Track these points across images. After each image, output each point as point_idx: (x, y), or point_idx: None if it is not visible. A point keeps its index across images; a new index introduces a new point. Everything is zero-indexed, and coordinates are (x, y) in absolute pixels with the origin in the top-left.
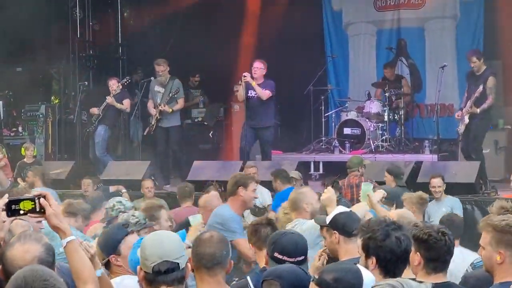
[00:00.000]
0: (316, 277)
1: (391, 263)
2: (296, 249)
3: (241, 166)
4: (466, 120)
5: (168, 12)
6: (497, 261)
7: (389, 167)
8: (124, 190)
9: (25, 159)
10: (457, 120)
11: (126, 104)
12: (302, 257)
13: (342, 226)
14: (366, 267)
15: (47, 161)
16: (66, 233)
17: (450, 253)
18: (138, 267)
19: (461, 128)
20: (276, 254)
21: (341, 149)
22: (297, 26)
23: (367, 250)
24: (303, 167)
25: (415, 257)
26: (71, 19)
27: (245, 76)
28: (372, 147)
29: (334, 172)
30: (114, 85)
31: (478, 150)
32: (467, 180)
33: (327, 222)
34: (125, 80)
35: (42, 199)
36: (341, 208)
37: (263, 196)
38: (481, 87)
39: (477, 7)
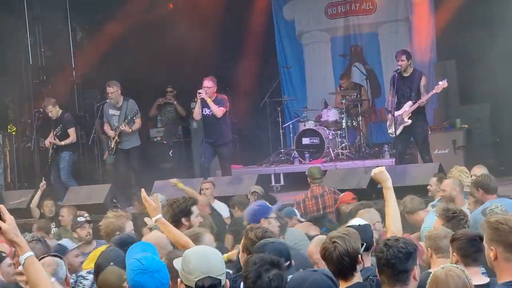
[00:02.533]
0: None
1: None
2: (281, 256)
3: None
4: (408, 121)
5: (120, 32)
6: (491, 257)
7: None
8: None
9: None
10: (389, 123)
11: (71, 135)
12: (288, 262)
13: None
14: None
15: (8, 191)
16: (23, 247)
17: (389, 266)
18: (179, 280)
19: (396, 130)
20: None
21: (300, 159)
22: (249, 38)
23: None
24: (263, 179)
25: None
26: (22, 46)
27: (200, 93)
28: (332, 155)
29: (295, 183)
30: (49, 106)
31: (429, 152)
32: (428, 182)
33: None
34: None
35: None
36: (358, 221)
37: (221, 211)
38: (444, 82)
39: (428, 8)
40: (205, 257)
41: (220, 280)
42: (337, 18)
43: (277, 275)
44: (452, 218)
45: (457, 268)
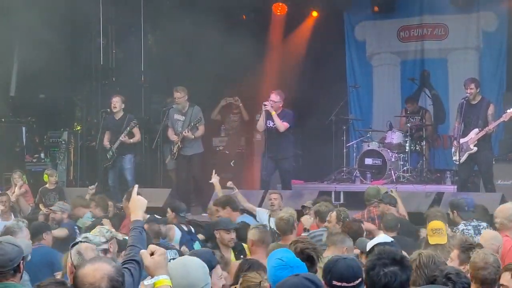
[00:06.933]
0: None
1: None
2: (353, 273)
3: (262, 195)
4: (474, 148)
5: (192, 39)
6: None
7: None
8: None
9: (47, 185)
10: (454, 149)
11: (137, 134)
12: (359, 280)
13: None
14: None
15: (69, 188)
16: None
17: None
18: None
19: (461, 157)
20: (334, 282)
21: (362, 179)
22: (319, 56)
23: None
24: (324, 196)
25: None
26: (94, 46)
27: (265, 105)
28: (393, 177)
29: (355, 202)
30: (117, 103)
31: (492, 181)
32: (491, 211)
33: (367, 250)
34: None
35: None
36: (383, 238)
37: (261, 218)
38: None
39: (500, 38)
40: (184, 272)
41: None
42: (409, 42)
43: (392, 273)
44: (467, 250)
45: None
